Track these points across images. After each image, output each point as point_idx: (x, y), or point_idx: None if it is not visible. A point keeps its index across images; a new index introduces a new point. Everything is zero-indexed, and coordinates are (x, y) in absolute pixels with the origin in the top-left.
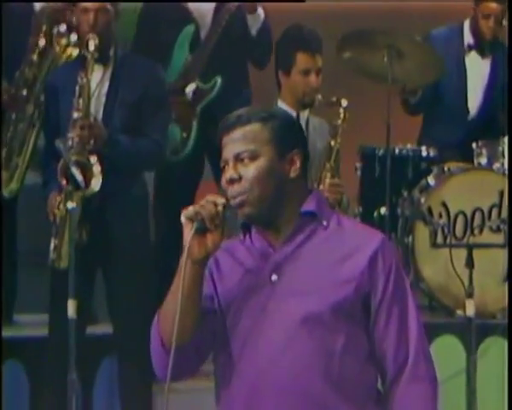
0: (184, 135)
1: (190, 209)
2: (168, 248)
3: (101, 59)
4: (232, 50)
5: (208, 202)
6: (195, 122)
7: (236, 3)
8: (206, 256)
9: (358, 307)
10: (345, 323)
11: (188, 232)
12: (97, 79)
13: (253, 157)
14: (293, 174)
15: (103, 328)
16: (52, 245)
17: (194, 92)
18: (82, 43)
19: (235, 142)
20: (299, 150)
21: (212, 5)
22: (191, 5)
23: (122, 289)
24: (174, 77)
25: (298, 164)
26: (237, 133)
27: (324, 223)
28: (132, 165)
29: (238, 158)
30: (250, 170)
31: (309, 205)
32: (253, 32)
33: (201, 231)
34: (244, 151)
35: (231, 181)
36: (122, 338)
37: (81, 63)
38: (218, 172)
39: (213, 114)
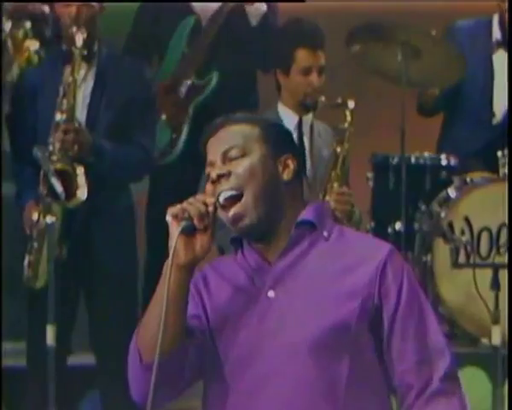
0: (174, 135)
1: (177, 206)
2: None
3: (85, 55)
4: (234, 46)
5: (197, 199)
6: (187, 122)
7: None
8: (193, 261)
9: (365, 324)
10: (350, 343)
11: (174, 233)
12: (80, 76)
13: (243, 153)
14: (286, 177)
15: (86, 358)
16: (26, 262)
17: (189, 89)
18: (65, 38)
19: (222, 140)
20: (293, 154)
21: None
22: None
23: (106, 314)
24: (167, 75)
25: (291, 167)
26: (224, 132)
27: (325, 234)
28: (119, 175)
29: (226, 156)
30: (241, 165)
31: (307, 214)
32: (254, 22)
33: (189, 232)
34: (232, 147)
35: (218, 177)
36: (105, 370)
37: (63, 59)
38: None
39: (209, 114)
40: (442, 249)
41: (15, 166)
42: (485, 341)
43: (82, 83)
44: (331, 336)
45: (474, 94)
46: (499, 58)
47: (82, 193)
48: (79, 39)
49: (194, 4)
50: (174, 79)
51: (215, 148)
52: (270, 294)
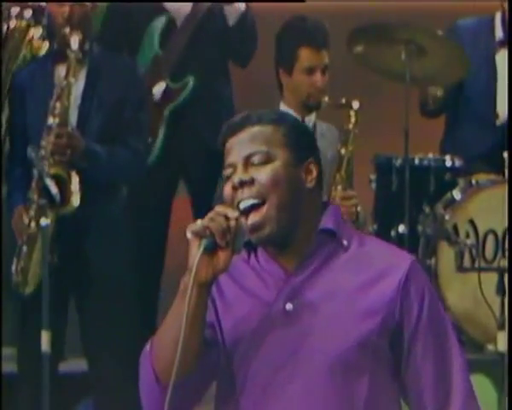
0: (150, 140)
1: (198, 224)
2: (145, 273)
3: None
4: (210, 47)
5: (218, 214)
6: (163, 126)
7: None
8: (213, 277)
9: (385, 341)
10: (370, 362)
11: (195, 251)
12: (60, 79)
13: (267, 160)
14: (309, 184)
15: (79, 365)
16: (14, 266)
17: (164, 92)
18: (56, 37)
19: (243, 143)
20: (315, 159)
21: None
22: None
23: (98, 320)
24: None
25: (314, 173)
26: (246, 134)
27: (345, 243)
28: (112, 180)
29: (248, 161)
30: (264, 172)
31: (327, 222)
32: (231, 22)
33: (211, 250)
34: (256, 152)
35: (241, 184)
36: (99, 377)
37: (54, 58)
38: (191, 183)
39: (185, 117)
40: (446, 253)
41: (6, 166)
42: (490, 347)
43: (73, 83)
44: (350, 353)
45: (477, 94)
46: (502, 58)
47: (75, 200)
48: (75, 42)
49: (166, 4)
50: (147, 80)
51: (237, 150)
52: (288, 307)
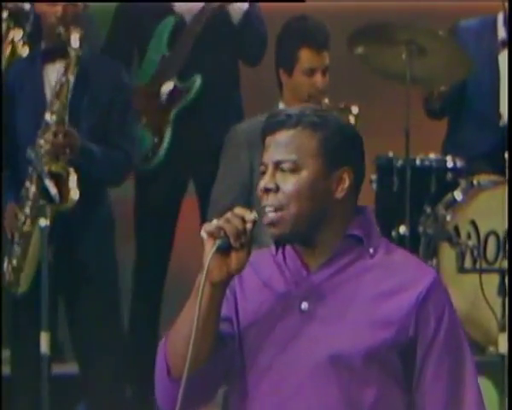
0: (156, 140)
1: (213, 223)
2: (150, 273)
3: (66, 54)
4: (218, 47)
5: (235, 215)
6: (169, 126)
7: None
8: (227, 278)
9: (396, 354)
10: (378, 372)
11: (208, 250)
12: (59, 76)
13: (295, 169)
14: (339, 195)
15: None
16: (6, 265)
17: (171, 92)
18: (47, 37)
19: (277, 146)
20: (351, 167)
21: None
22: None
23: (88, 320)
24: (147, 76)
25: (346, 183)
26: (282, 136)
27: (371, 251)
28: (104, 178)
29: (278, 166)
30: (290, 182)
31: (356, 228)
32: (235, 21)
33: (224, 250)
34: (286, 161)
35: (266, 191)
36: (90, 380)
37: (43, 58)
38: (199, 184)
39: (194, 117)
40: (448, 254)
41: None
42: (491, 349)
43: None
44: (355, 360)
45: (479, 94)
46: (505, 58)
47: (74, 195)
48: (75, 40)
49: (175, 4)
50: (155, 81)
51: (271, 151)
52: (304, 305)
